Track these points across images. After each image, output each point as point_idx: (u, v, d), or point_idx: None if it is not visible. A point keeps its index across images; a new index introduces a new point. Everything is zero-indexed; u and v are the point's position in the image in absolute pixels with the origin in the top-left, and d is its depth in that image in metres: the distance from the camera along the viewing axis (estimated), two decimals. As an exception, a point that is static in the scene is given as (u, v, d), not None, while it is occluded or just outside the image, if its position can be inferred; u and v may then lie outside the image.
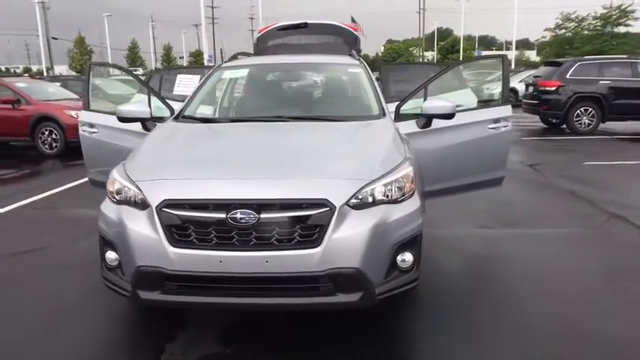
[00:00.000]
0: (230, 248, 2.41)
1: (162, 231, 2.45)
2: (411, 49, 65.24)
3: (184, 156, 2.89)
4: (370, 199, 2.50)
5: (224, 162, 2.77)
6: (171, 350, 2.71)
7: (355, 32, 6.38)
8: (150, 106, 4.07)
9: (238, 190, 2.46)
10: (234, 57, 4.77)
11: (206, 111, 4.04)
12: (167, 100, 4.16)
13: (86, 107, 4.53)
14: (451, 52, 57.38)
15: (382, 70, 5.27)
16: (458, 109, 3.94)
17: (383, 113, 3.56)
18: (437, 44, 62.34)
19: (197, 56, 60.82)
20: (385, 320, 2.95)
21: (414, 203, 2.64)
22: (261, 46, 6.32)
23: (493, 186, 4.39)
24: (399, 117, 3.78)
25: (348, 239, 2.38)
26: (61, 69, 50.87)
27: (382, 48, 74.99)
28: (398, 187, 2.60)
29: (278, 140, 3.15)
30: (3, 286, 3.57)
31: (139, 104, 3.90)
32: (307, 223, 2.38)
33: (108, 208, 2.72)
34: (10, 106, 9.65)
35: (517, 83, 17.73)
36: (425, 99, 3.89)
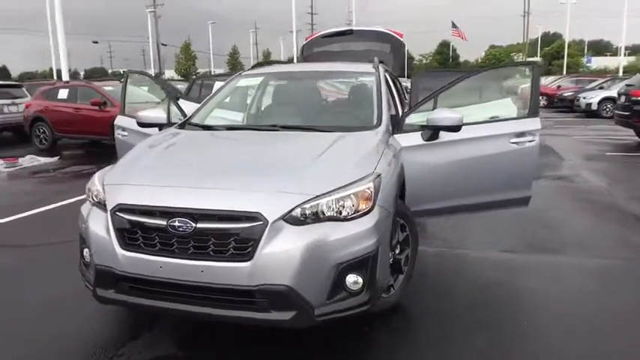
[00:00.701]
0: (170, 255, 2.44)
1: (114, 233, 2.55)
2: (512, 54, 61.68)
3: (155, 163, 2.98)
4: (313, 215, 2.40)
5: (184, 171, 2.80)
6: (130, 347, 2.81)
7: (401, 39, 6.22)
8: (169, 111, 4.28)
9: (180, 199, 2.48)
10: (257, 65, 4.82)
11: (226, 116, 4.14)
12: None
13: (121, 112, 4.87)
14: (556, 57, 53.33)
15: (412, 78, 5.06)
16: (479, 120, 3.69)
17: (379, 124, 3.39)
18: (540, 49, 58.30)
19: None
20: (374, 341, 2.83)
21: (367, 222, 2.48)
22: (306, 54, 6.39)
23: (517, 206, 4.01)
24: (403, 128, 3.58)
25: (278, 255, 2.30)
26: (171, 73, 55.18)
27: (482, 54, 71.92)
28: (350, 204, 2.46)
29: (249, 151, 3.14)
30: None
31: (157, 110, 4.08)
32: (240, 236, 2.34)
33: (84, 208, 2.89)
34: (97, 107, 10.64)
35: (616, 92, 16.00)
36: (434, 109, 3.65)
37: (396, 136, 3.51)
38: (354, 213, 2.47)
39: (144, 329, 2.96)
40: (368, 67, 4.09)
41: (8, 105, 12.64)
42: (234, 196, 2.44)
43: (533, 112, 3.81)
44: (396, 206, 2.81)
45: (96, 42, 52.35)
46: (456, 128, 3.43)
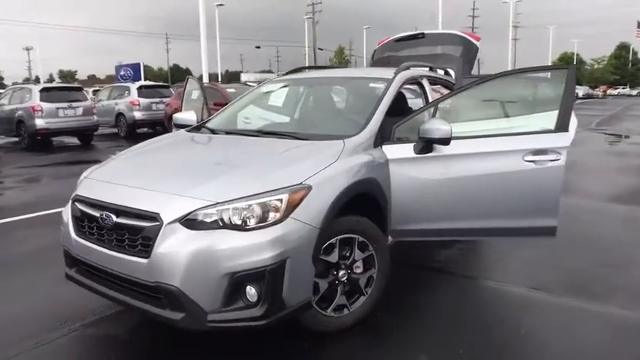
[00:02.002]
0: (102, 244, 2.67)
1: (71, 220, 2.89)
2: None
3: (124, 162, 3.26)
4: (214, 222, 2.40)
5: (137, 171, 3.01)
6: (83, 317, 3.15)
7: (475, 42, 5.73)
8: (202, 113, 4.61)
9: (111, 195, 2.69)
10: (293, 71, 4.88)
11: (242, 119, 4.31)
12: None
13: (180, 110, 5.36)
14: None
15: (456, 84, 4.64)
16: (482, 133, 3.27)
17: (358, 133, 3.20)
18: None
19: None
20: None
21: (269, 234, 2.39)
22: (376, 57, 6.27)
23: (538, 236, 3.45)
24: (395, 139, 3.33)
25: (169, 256, 2.36)
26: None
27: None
28: (255, 214, 2.41)
29: (208, 155, 3.28)
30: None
31: (190, 113, 4.42)
32: (143, 234, 2.45)
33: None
34: (219, 107, 11.70)
35: None
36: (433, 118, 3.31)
37: (386, 147, 3.28)
38: (258, 223, 2.41)
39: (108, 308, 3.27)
40: (386, 73, 3.88)
41: (157, 103, 14.65)
42: (146, 197, 2.57)
43: (561, 127, 3.23)
44: (329, 222, 2.64)
45: (258, 47, 57.37)
46: (445, 141, 3.09)
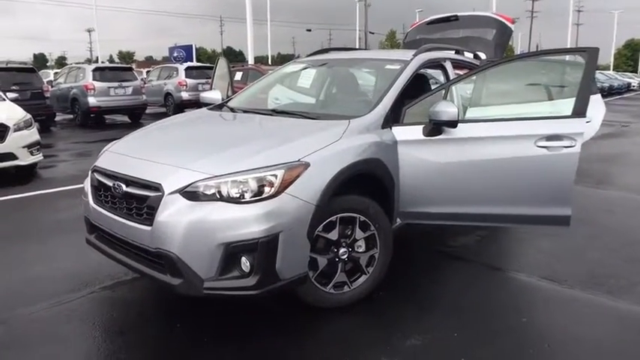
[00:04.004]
0: (114, 212, 2.85)
1: (90, 189, 3.09)
2: None
3: (141, 136, 3.43)
4: (212, 194, 2.51)
5: (151, 145, 3.19)
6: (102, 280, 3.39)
7: (509, 24, 5.56)
8: (228, 92, 4.76)
9: (123, 167, 2.85)
10: (317, 52, 4.90)
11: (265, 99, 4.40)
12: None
13: (210, 88, 5.55)
14: None
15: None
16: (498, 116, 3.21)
17: (365, 114, 3.22)
18: None
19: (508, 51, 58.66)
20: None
21: (263, 208, 2.48)
22: (408, 40, 6.20)
23: (552, 225, 3.36)
24: (405, 121, 3.32)
25: (168, 224, 2.49)
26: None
27: None
28: (250, 188, 2.51)
29: (218, 132, 3.38)
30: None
31: (215, 92, 4.57)
32: (147, 203, 2.60)
33: None
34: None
35: None
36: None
37: (396, 128, 3.29)
38: (253, 197, 2.50)
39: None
40: (405, 55, 3.84)
41: (204, 84, 15.06)
42: (151, 168, 2.71)
43: (578, 111, 3.12)
44: (327, 200, 2.68)
45: (309, 30, 57.29)
46: (452, 124, 3.07)
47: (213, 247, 2.46)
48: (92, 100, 13.00)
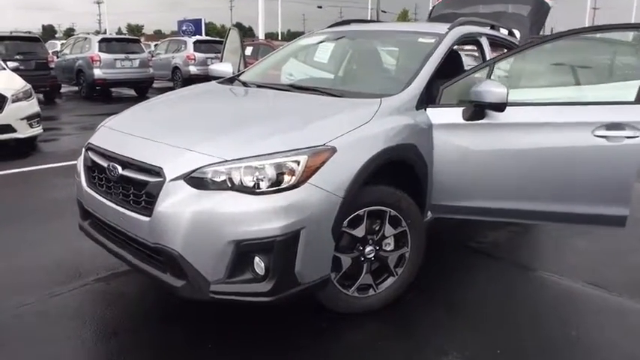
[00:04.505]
0: (109, 198, 2.47)
1: (83, 170, 2.72)
2: None
3: (148, 110, 3.04)
4: (219, 180, 2.12)
5: (153, 121, 2.79)
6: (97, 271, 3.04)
7: (548, 0, 5.06)
8: (240, 65, 4.35)
9: (119, 145, 2.47)
10: (339, 24, 4.46)
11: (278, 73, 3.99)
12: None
13: (220, 60, 5.14)
14: None
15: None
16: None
17: (398, 92, 2.81)
18: None
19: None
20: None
21: (282, 200, 2.09)
22: (435, 15, 5.72)
23: (605, 225, 2.95)
24: (441, 102, 2.91)
25: (170, 216, 2.11)
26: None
27: None
28: (267, 176, 2.12)
29: (231, 108, 2.98)
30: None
31: (226, 64, 4.16)
32: (147, 190, 2.22)
33: None
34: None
35: None
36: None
37: (431, 110, 2.88)
38: (271, 187, 2.11)
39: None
40: (439, 28, 3.40)
41: (212, 58, 14.58)
42: (152, 149, 2.32)
43: (644, 97, 2.69)
44: (355, 191, 2.30)
45: (320, 7, 55.96)
46: (498, 107, 2.65)
47: (222, 245, 2.09)
48: (97, 72, 12.57)
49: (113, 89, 14.32)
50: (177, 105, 3.15)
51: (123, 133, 2.61)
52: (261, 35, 17.44)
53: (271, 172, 2.12)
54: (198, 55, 14.96)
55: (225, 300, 2.18)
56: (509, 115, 2.74)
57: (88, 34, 15.62)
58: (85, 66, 12.92)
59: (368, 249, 2.57)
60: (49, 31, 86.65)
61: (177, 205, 2.11)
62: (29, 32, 14.08)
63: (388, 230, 2.61)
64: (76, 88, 14.07)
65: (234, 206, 2.08)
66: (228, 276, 2.14)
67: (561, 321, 2.72)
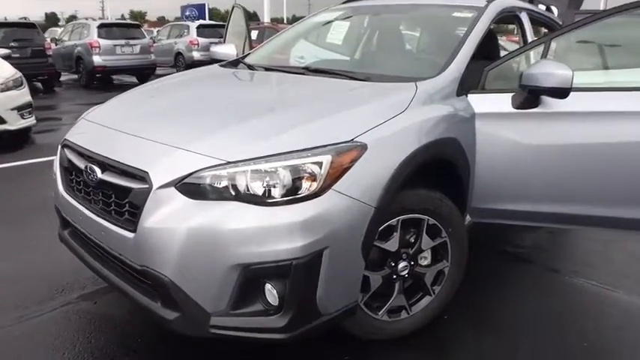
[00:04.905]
0: (88, 206, 2.04)
1: (59, 170, 2.28)
2: None
3: (139, 99, 2.58)
4: (220, 187, 1.67)
5: (144, 111, 2.31)
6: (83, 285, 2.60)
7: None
8: (244, 47, 3.90)
9: (100, 142, 2.04)
10: None
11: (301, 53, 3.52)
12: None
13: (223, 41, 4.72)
14: None
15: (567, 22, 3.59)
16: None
17: (436, 75, 2.34)
18: None
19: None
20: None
21: (301, 212, 1.64)
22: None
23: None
24: (486, 87, 2.44)
25: (159, 234, 1.67)
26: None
27: None
28: (282, 182, 1.67)
29: (236, 96, 2.49)
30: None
31: (229, 46, 3.72)
32: (131, 199, 1.78)
33: None
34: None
35: None
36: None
37: (474, 97, 2.41)
38: (286, 195, 1.66)
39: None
40: (476, 1, 2.91)
41: (216, 44, 14.06)
42: (138, 148, 1.88)
43: None
44: (390, 198, 1.85)
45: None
46: (560, 92, 2.17)
47: (225, 269, 1.65)
48: (97, 59, 12.08)
49: (114, 76, 13.86)
50: (171, 92, 2.69)
51: (104, 127, 2.16)
52: (266, 19, 16.85)
53: (286, 177, 1.67)
54: (202, 41, 14.45)
55: (229, 336, 1.74)
56: (572, 102, 2.26)
57: (87, 19, 15.09)
58: (84, 53, 12.43)
59: (401, 265, 2.13)
60: (52, 19, 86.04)
61: (167, 219, 1.67)
62: (24, 18, 13.57)
63: (425, 242, 2.16)
64: (75, 77, 13.62)
65: (239, 221, 1.63)
66: (232, 307, 1.70)
67: (630, 346, 2.28)
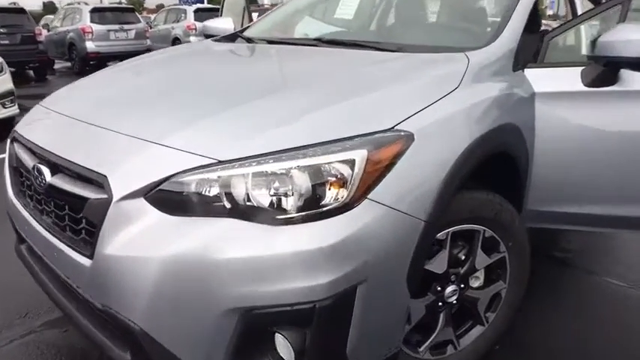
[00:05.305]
0: (38, 218, 1.55)
1: (8, 171, 1.79)
2: None
3: (110, 79, 2.08)
4: (209, 196, 1.18)
5: (115, 95, 1.77)
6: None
7: None
8: (243, 21, 3.39)
9: (53, 136, 1.53)
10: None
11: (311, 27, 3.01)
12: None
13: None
14: None
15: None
16: None
17: (487, 44, 1.83)
18: None
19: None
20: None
21: (328, 232, 1.14)
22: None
23: None
24: (545, 59, 1.94)
25: (122, 264, 1.18)
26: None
27: None
28: (298, 188, 1.17)
29: (231, 73, 1.95)
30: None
31: (226, 20, 3.20)
32: (86, 213, 1.29)
33: None
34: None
35: None
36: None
37: (532, 72, 1.91)
38: (303, 210, 1.16)
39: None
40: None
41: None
42: (100, 143, 1.39)
43: None
44: (444, 207, 1.35)
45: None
46: None
47: (218, 316, 1.16)
48: (90, 45, 11.52)
49: (109, 63, 13.31)
50: (152, 71, 2.16)
51: (62, 116, 1.65)
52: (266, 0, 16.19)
53: (303, 183, 1.16)
54: (200, 25, 13.83)
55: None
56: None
57: (79, 3, 14.50)
58: (76, 39, 11.87)
59: (449, 289, 1.64)
60: (49, 8, 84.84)
61: (133, 243, 1.17)
62: (14, 3, 13.02)
63: (480, 260, 1.67)
64: (69, 64, 13.07)
65: (236, 246, 1.13)
66: (229, 363, 1.21)
67: None
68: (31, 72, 11.28)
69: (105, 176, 1.22)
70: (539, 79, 1.91)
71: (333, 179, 1.17)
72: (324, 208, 1.16)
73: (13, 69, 10.52)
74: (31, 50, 10.65)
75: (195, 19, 13.87)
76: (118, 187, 1.19)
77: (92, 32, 11.55)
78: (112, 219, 1.19)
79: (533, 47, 1.96)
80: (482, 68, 1.72)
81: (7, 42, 10.21)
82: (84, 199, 1.28)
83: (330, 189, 1.17)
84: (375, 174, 1.20)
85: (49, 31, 13.13)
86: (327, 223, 1.15)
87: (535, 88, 1.89)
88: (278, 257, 1.13)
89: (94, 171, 1.25)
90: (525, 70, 1.92)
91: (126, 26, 12.07)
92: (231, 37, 2.68)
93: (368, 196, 1.19)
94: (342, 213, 1.16)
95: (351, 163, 1.18)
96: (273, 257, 1.13)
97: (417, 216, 1.27)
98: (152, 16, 25.55)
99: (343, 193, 1.17)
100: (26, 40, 10.67)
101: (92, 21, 11.68)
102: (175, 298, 1.15)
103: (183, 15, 14.46)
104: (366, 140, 1.22)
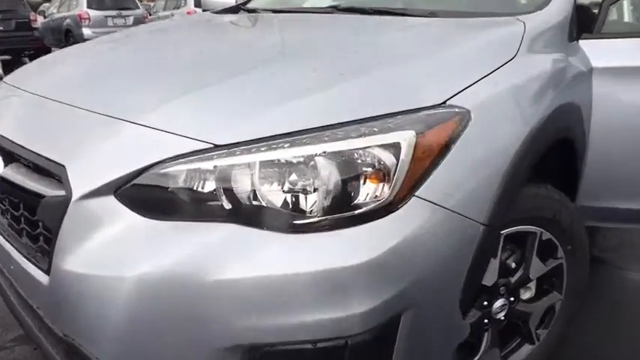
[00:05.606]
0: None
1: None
2: None
3: (88, 52, 1.76)
4: (202, 192, 0.87)
5: (92, 69, 1.45)
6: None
7: None
8: None
9: (13, 119, 1.24)
10: None
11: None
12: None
13: None
14: None
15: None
16: None
17: (541, 7, 1.52)
18: None
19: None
20: None
21: (359, 246, 0.84)
22: None
23: None
24: (603, 30, 1.63)
25: (84, 283, 0.88)
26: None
27: None
28: (322, 185, 0.86)
29: (236, 45, 1.62)
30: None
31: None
32: (40, 214, 0.99)
33: None
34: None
35: None
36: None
37: (589, 42, 1.60)
38: (330, 211, 0.86)
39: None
40: None
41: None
42: (61, 123, 1.10)
43: None
44: (507, 206, 1.05)
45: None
46: None
47: (214, 355, 0.86)
48: (87, 32, 11.17)
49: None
50: (141, 43, 1.84)
51: (26, 94, 1.34)
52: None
53: (331, 175, 0.86)
54: (200, 11, 13.49)
55: None
56: None
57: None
58: (73, 25, 11.54)
59: (497, 304, 1.34)
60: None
61: (99, 255, 0.87)
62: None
63: (536, 267, 1.38)
64: (66, 52, 12.77)
65: (239, 262, 0.83)
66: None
67: None
68: (27, 59, 10.98)
69: (63, 166, 0.92)
70: (597, 51, 1.61)
71: (371, 170, 0.86)
72: (359, 210, 0.85)
73: (7, 57, 10.25)
74: (26, 37, 10.37)
75: (196, 6, 13.55)
76: (80, 181, 0.89)
77: (89, 18, 11.22)
78: (71, 223, 0.89)
79: (590, 14, 1.65)
80: (539, 35, 1.41)
81: (1, 28, 9.91)
82: (39, 197, 0.98)
83: (366, 183, 0.86)
84: (424, 163, 0.90)
85: (45, 17, 12.80)
86: (362, 231, 0.85)
87: (593, 61, 1.59)
88: (295, 278, 0.83)
89: (51, 160, 0.95)
90: (581, 40, 1.62)
91: (124, 12, 11.70)
92: (234, 10, 2.37)
93: (415, 194, 0.89)
94: (382, 217, 0.86)
95: (395, 148, 0.87)
96: (289, 278, 0.83)
97: (475, 219, 0.97)
98: (152, 4, 25.18)
99: (384, 189, 0.86)
100: (21, 26, 10.38)
101: (89, 7, 11.35)
102: (154, 331, 0.85)
103: (183, 1, 14.11)
104: (413, 118, 0.91)
